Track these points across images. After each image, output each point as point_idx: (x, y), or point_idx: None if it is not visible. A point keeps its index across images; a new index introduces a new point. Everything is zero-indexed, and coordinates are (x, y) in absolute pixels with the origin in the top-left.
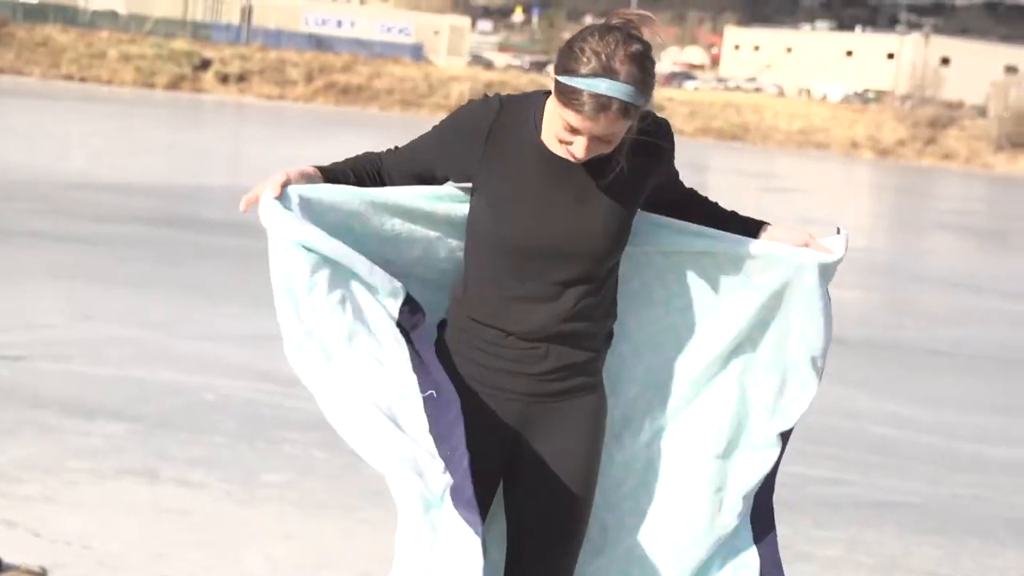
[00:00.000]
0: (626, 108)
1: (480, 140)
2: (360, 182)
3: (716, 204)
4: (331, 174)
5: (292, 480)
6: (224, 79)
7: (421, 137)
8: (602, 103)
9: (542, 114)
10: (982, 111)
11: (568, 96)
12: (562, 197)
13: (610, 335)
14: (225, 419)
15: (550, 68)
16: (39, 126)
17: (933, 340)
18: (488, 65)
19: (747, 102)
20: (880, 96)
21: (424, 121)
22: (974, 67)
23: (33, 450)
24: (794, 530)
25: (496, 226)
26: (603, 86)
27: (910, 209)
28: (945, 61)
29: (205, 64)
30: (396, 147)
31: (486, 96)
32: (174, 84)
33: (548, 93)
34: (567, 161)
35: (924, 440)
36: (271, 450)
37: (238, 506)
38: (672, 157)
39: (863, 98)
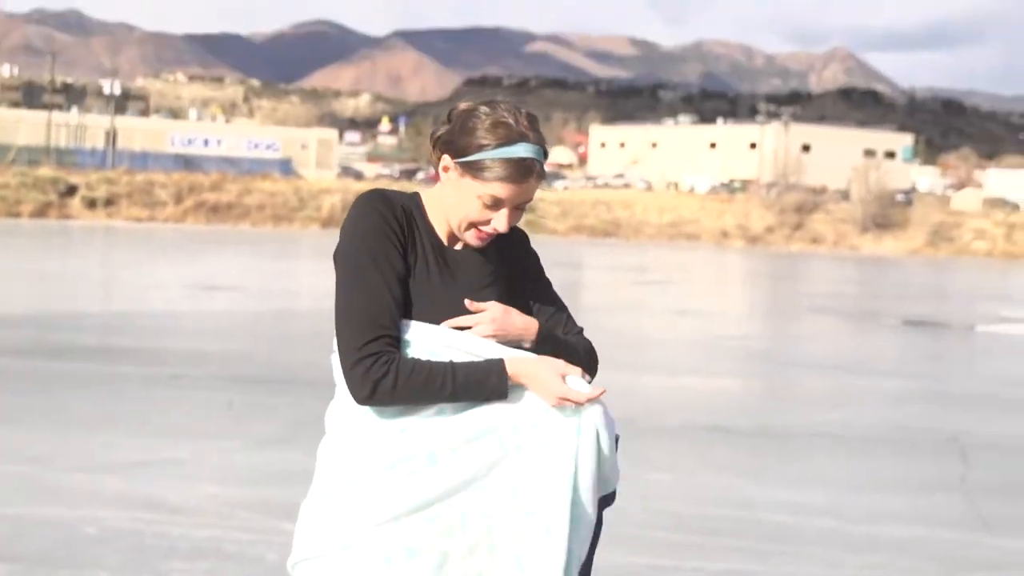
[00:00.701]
0: (541, 171)
1: (405, 230)
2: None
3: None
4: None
5: None
6: (91, 204)
7: (363, 287)
8: (527, 166)
9: (423, 208)
10: (845, 195)
11: (489, 170)
12: (462, 285)
13: None
14: (108, 552)
15: (445, 159)
16: None
17: (815, 423)
18: (358, 176)
19: (617, 198)
20: (746, 185)
21: (297, 234)
22: (834, 152)
23: None
24: None
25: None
26: (522, 150)
27: (783, 294)
28: (806, 148)
29: (71, 190)
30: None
31: (374, 192)
32: (40, 212)
33: (415, 194)
34: (455, 251)
35: (818, 524)
36: None
37: None
38: (528, 251)
39: (729, 188)
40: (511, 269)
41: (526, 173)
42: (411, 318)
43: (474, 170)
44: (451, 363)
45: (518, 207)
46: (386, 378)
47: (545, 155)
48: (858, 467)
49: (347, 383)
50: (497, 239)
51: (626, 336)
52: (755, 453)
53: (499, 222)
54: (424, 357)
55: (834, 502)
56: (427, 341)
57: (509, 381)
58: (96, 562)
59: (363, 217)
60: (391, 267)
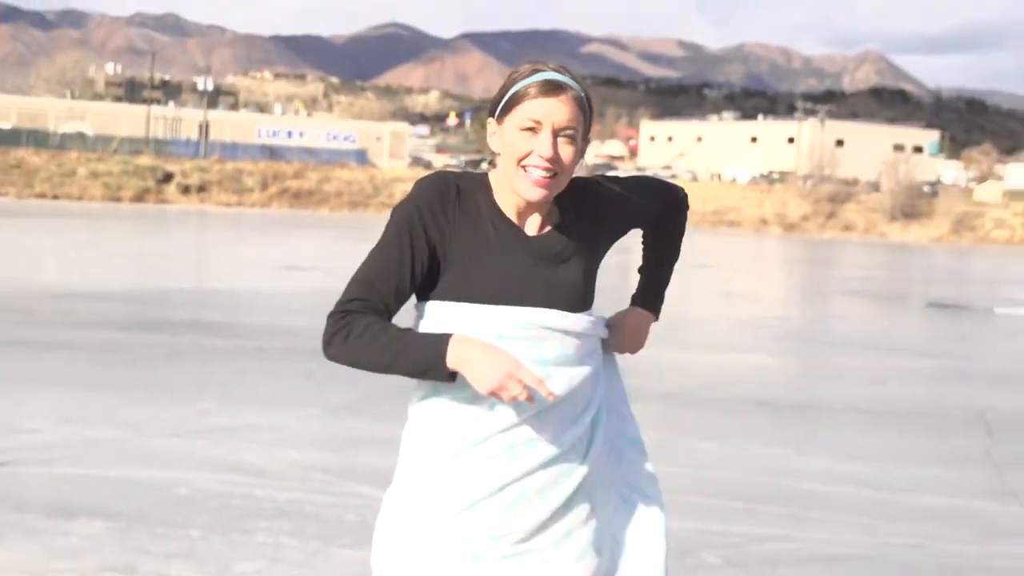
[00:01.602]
0: (578, 97)
1: (446, 216)
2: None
3: (663, 258)
4: None
5: (265, 568)
6: (186, 190)
7: (391, 251)
8: (556, 83)
9: (490, 189)
10: (876, 186)
11: (520, 97)
12: (530, 260)
13: None
14: (198, 512)
15: (489, 123)
16: (16, 242)
17: (851, 398)
18: (428, 166)
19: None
20: (783, 177)
21: (371, 219)
22: (865, 147)
23: (19, 553)
24: None
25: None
26: (549, 75)
27: (818, 278)
28: (840, 143)
29: (168, 177)
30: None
31: (436, 175)
32: (139, 197)
33: (484, 174)
34: (523, 230)
35: (856, 493)
36: (244, 540)
37: None
38: (602, 192)
39: (768, 179)
40: (594, 231)
41: (555, 88)
42: (475, 296)
43: (509, 107)
44: (403, 334)
45: (561, 133)
46: (338, 334)
47: (587, 96)
48: (891, 440)
49: (336, 309)
50: (579, 205)
51: (675, 316)
52: (796, 426)
53: (541, 145)
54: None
55: (870, 473)
56: (491, 324)
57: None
58: (187, 521)
59: (413, 198)
60: (412, 251)
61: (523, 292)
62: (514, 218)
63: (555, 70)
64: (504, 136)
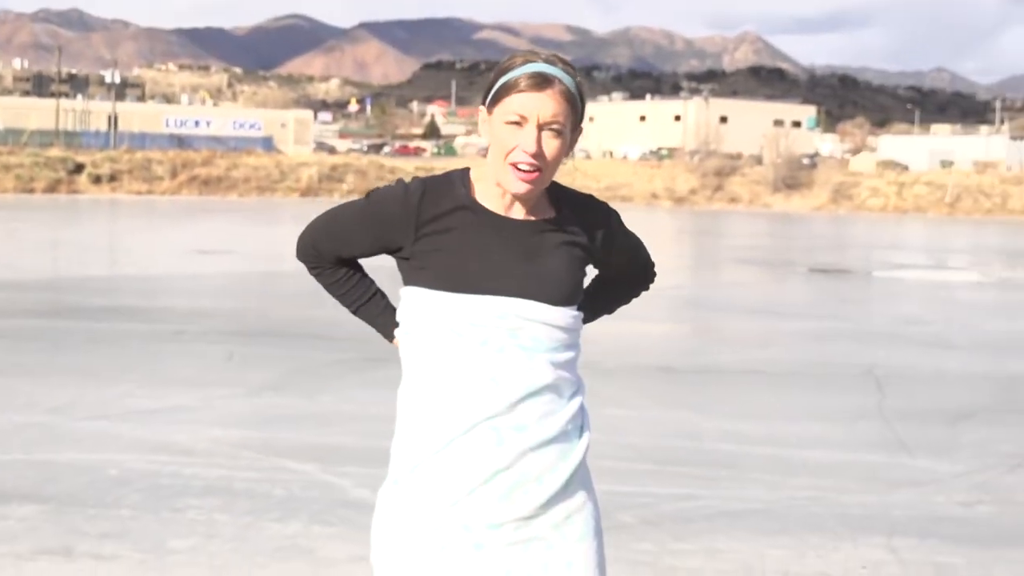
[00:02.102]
0: (568, 91)
1: (411, 215)
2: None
3: (606, 306)
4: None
5: (198, 544)
6: (97, 180)
7: (346, 218)
8: (545, 77)
9: (469, 181)
10: (758, 159)
11: (509, 89)
12: (510, 248)
13: None
14: (129, 492)
15: (480, 111)
16: None
17: (747, 360)
18: (332, 150)
19: (561, 167)
20: (672, 152)
21: (280, 203)
22: (747, 123)
23: None
24: (657, 545)
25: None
26: (539, 67)
27: (708, 248)
28: (723, 119)
29: (79, 168)
30: (322, 235)
31: (404, 180)
32: (52, 188)
33: (463, 170)
34: (508, 220)
35: (757, 451)
36: (176, 518)
37: (150, 574)
38: (612, 224)
39: (657, 155)
40: (586, 242)
41: (545, 82)
42: (445, 284)
43: (498, 98)
44: (369, 298)
45: (546, 127)
46: (311, 268)
47: (579, 88)
48: (787, 399)
49: (297, 242)
50: (575, 209)
51: None
52: (698, 390)
53: (525, 140)
54: (446, 329)
55: (770, 431)
56: (466, 313)
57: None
58: (118, 501)
59: (386, 189)
60: (368, 223)
61: (502, 281)
62: (500, 207)
63: (546, 60)
64: (492, 127)
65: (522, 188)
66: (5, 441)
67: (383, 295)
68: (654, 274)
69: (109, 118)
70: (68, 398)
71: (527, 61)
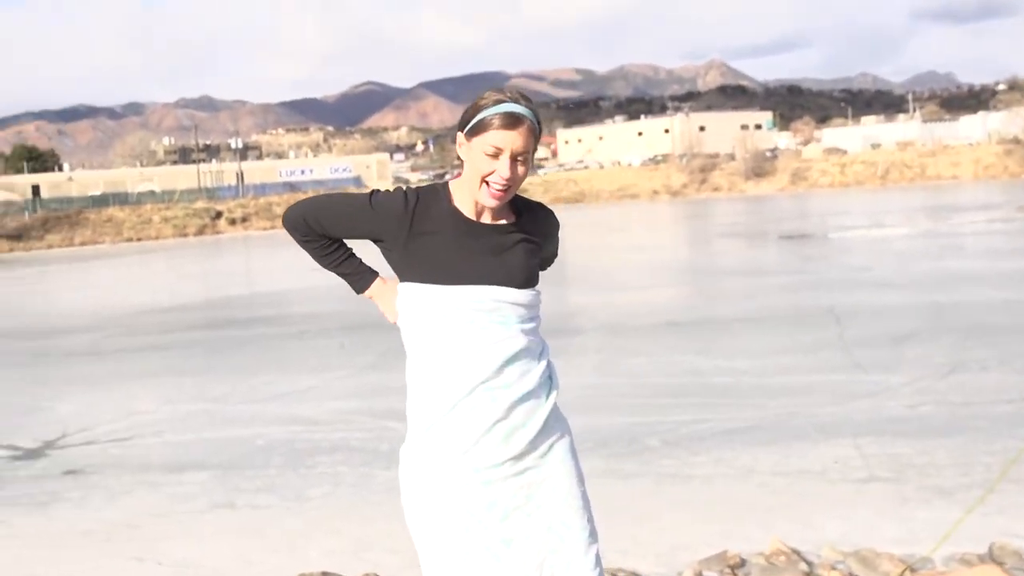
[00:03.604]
0: (532, 127)
1: (407, 220)
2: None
3: None
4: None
5: (329, 491)
6: (232, 222)
7: (348, 211)
8: (516, 117)
9: (448, 192)
10: (732, 156)
11: (486, 125)
12: (484, 247)
13: None
14: (274, 456)
15: (459, 136)
16: (114, 276)
17: (737, 311)
18: (406, 182)
19: (580, 176)
20: (665, 158)
21: None
22: (720, 129)
23: (148, 502)
24: (678, 460)
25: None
26: (510, 107)
27: (700, 227)
28: (702, 128)
29: (219, 214)
30: (324, 208)
31: (403, 188)
32: (200, 231)
33: (444, 183)
34: (480, 224)
35: (748, 381)
36: (310, 472)
37: (295, 517)
38: (552, 226)
39: (654, 161)
40: (540, 240)
41: (516, 122)
42: (436, 278)
43: (477, 130)
44: (348, 259)
45: (518, 158)
46: (303, 240)
47: (537, 119)
48: (769, 339)
49: (290, 209)
50: (532, 216)
51: (600, 268)
52: (700, 337)
53: (501, 168)
54: (440, 315)
55: (756, 365)
56: (446, 301)
57: (367, 295)
58: (266, 463)
59: (388, 194)
60: (364, 219)
61: (479, 273)
62: (472, 215)
63: (513, 99)
64: (471, 153)
65: (494, 203)
66: (180, 425)
67: (357, 257)
68: (556, 256)
69: (237, 175)
70: (225, 389)
71: (499, 100)
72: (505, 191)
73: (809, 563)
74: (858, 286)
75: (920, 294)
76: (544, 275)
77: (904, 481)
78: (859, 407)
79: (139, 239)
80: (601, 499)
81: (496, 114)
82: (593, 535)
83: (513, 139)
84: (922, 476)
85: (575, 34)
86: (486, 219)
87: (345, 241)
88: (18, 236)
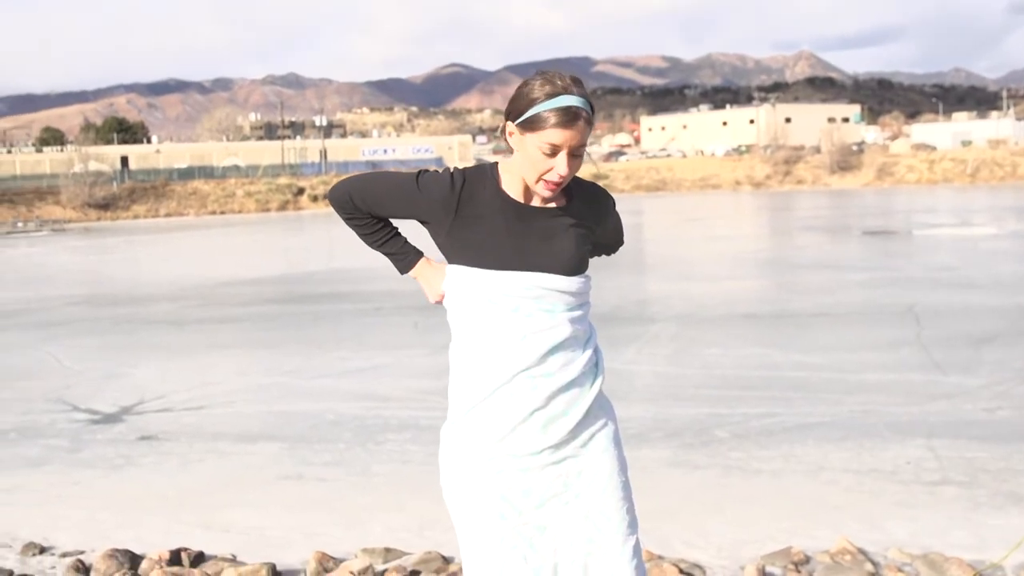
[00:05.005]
0: (589, 118)
1: (452, 203)
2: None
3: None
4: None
5: (395, 469)
6: (314, 199)
7: (394, 191)
8: (574, 112)
9: (497, 173)
10: (817, 149)
11: (542, 122)
12: (532, 232)
13: None
14: (343, 431)
15: (508, 125)
16: (196, 247)
17: (815, 305)
18: None
19: (662, 164)
20: (749, 148)
21: None
22: (807, 121)
23: (219, 470)
24: (746, 453)
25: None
26: (567, 100)
27: (781, 220)
28: (788, 120)
29: (301, 191)
30: (370, 188)
31: (450, 169)
32: (282, 207)
33: (492, 164)
34: (529, 208)
35: (823, 376)
36: (378, 449)
37: (360, 492)
38: (609, 209)
39: (738, 151)
40: (592, 224)
41: (573, 118)
42: (482, 263)
43: (531, 125)
44: (394, 238)
45: (574, 153)
46: (349, 219)
47: (590, 106)
48: (847, 334)
49: (336, 187)
50: (584, 199)
51: (678, 257)
52: (776, 330)
53: (560, 166)
54: (485, 300)
55: (833, 360)
56: (490, 286)
57: (411, 273)
58: (336, 438)
59: (436, 175)
60: (411, 199)
61: (526, 259)
62: (520, 197)
63: (564, 87)
64: (525, 148)
65: (549, 195)
66: (253, 397)
67: (402, 236)
68: (622, 243)
69: (321, 152)
70: (298, 363)
71: (552, 92)
72: (561, 184)
73: (875, 564)
74: (940, 285)
75: (1004, 296)
76: (620, 262)
77: (978, 486)
78: (935, 408)
79: (222, 212)
80: (667, 489)
81: (552, 110)
82: (632, 525)
83: (571, 136)
84: (997, 481)
85: (663, 21)
86: (536, 202)
87: (391, 220)
88: (106, 206)
